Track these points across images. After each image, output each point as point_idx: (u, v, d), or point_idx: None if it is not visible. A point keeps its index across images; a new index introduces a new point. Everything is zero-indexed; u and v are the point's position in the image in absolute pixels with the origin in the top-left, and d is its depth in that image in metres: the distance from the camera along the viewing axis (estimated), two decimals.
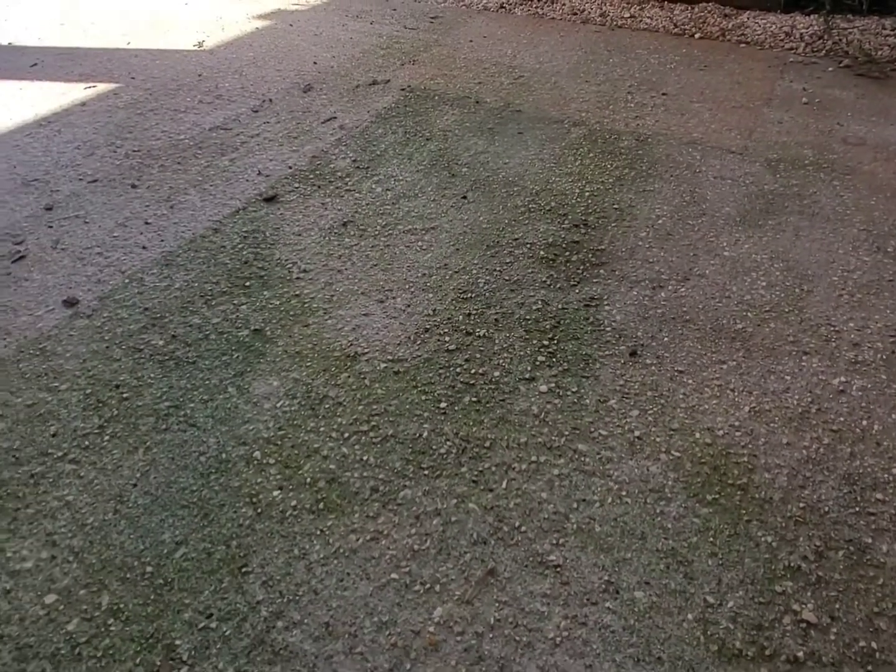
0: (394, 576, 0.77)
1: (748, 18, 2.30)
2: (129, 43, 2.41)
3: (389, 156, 1.62)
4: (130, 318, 1.15)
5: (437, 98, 1.89)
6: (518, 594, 0.75)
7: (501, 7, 2.59)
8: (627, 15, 2.42)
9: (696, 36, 2.24)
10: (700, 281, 1.18)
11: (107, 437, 0.94)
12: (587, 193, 1.44)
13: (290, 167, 1.59)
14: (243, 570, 0.78)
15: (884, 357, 1.02)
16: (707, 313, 1.11)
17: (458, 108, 1.84)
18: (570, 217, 1.36)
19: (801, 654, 0.68)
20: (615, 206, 1.39)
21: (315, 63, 2.16)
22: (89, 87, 2.07)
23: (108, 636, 0.72)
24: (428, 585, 0.76)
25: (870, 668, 0.67)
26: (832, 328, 1.07)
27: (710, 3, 2.43)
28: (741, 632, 0.70)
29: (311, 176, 1.55)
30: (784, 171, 1.49)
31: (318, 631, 0.72)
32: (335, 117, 1.82)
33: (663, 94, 1.87)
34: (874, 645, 0.69)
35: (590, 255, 1.25)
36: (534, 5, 2.58)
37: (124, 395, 1.00)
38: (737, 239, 1.28)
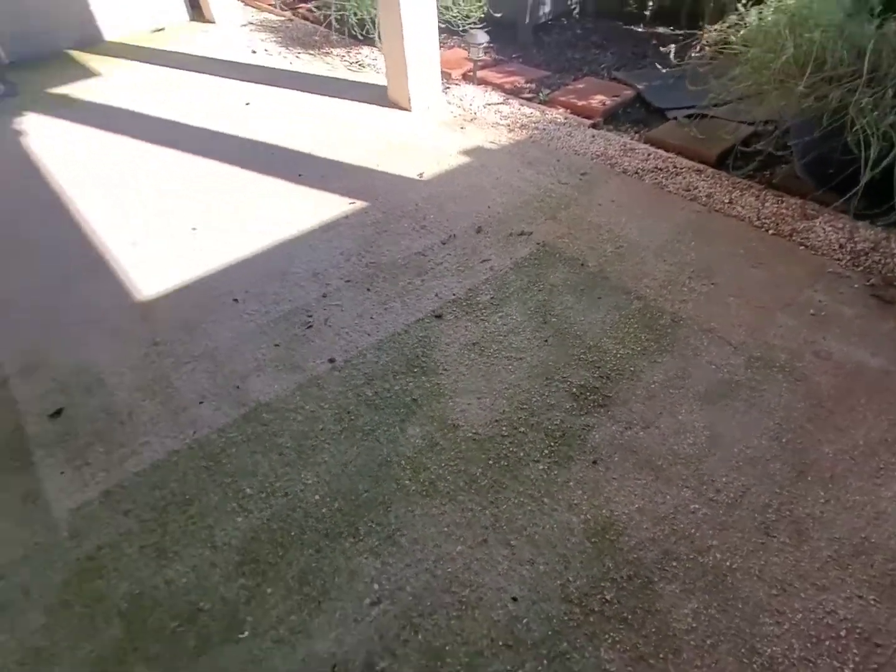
0: (446, 527, 1.83)
1: (819, 223, 2.98)
2: (377, 165, 3.70)
3: (512, 299, 2.66)
4: (358, 376, 2.34)
5: (557, 255, 2.90)
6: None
7: (636, 172, 3.49)
8: (727, 199, 3.20)
9: (770, 232, 2.98)
10: (654, 430, 2.08)
11: (343, 436, 2.11)
12: (619, 355, 2.37)
13: (454, 294, 2.70)
14: (388, 509, 1.89)
15: (732, 499, 1.86)
16: (646, 449, 2.02)
17: (569, 267, 2.82)
18: (601, 369, 2.31)
19: (611, 597, 1.63)
20: (632, 368, 2.31)
21: (489, 207, 3.26)
22: (351, 203, 3.37)
23: (333, 519, 1.87)
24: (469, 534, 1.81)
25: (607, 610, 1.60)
26: (712, 481, 1.93)
27: (799, 199, 3.12)
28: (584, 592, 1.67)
29: (464, 304, 2.65)
30: (756, 368, 2.29)
31: (409, 540, 1.81)
32: (490, 259, 2.90)
33: (713, 283, 2.69)
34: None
35: (600, 398, 2.20)
36: (660, 175, 3.45)
37: (352, 418, 2.18)
38: (692, 409, 2.15)
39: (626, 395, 2.21)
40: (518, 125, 4.01)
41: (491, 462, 2.01)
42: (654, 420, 2.12)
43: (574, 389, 2.24)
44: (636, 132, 4.04)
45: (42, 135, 4.38)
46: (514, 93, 4.54)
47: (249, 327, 2.58)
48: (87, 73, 5.41)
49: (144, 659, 1.60)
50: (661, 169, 3.48)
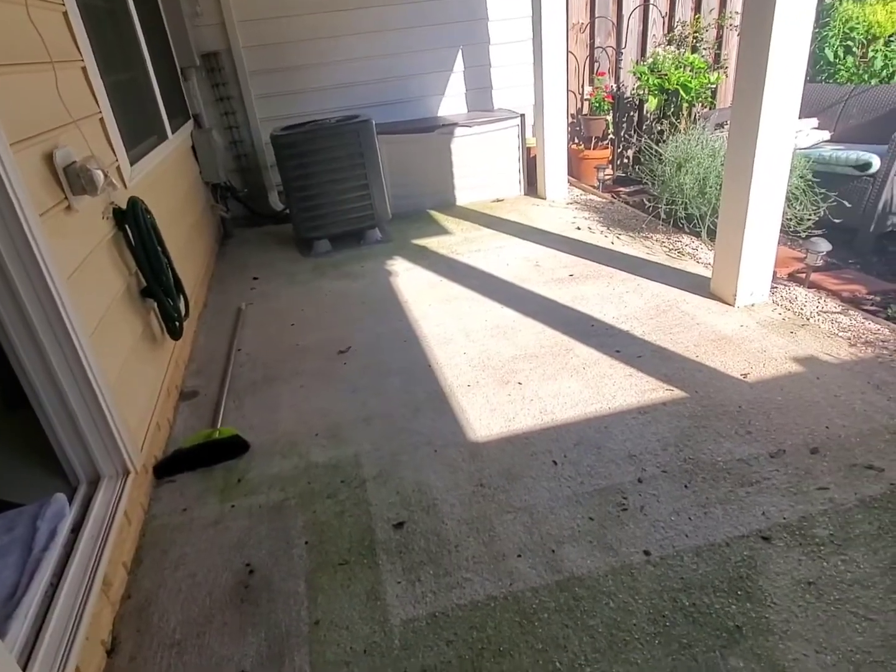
0: None
1: None
2: (697, 356, 3.75)
3: (859, 544, 2.36)
4: (674, 578, 2.27)
5: None
6: None
7: None
8: None
9: None
10: None
11: (657, 641, 2.05)
12: None
13: (784, 518, 2.51)
14: None
15: None
16: None
17: None
18: None
19: None
20: None
21: (826, 427, 3.03)
22: (668, 390, 3.45)
23: None
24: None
25: None
26: None
27: None
28: None
29: (797, 532, 2.44)
30: None
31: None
32: (828, 489, 2.66)
33: None
34: None
35: None
36: None
37: (667, 624, 2.10)
38: None
39: None
40: (861, 341, 3.75)
41: None
42: None
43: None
44: None
45: (404, 274, 5.50)
46: (853, 303, 4.29)
47: (565, 493, 2.74)
48: (440, 230, 6.72)
49: None
50: None
